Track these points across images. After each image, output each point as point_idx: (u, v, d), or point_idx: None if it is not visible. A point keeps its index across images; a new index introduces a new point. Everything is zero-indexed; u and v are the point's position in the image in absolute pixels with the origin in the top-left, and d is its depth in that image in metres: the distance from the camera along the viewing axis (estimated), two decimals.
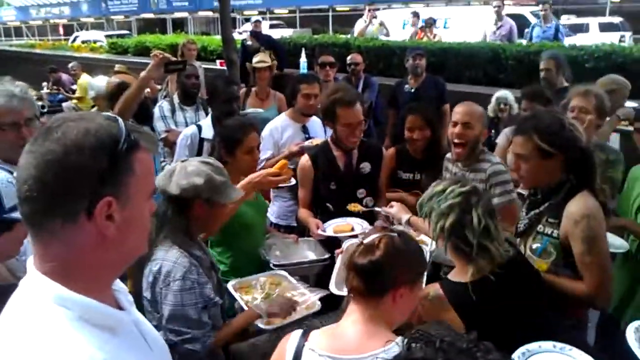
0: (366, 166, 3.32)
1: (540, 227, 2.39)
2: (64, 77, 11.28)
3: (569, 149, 2.29)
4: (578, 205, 2.25)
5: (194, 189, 2.24)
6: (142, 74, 3.61)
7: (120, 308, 1.18)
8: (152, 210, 1.19)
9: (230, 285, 2.63)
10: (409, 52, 5.99)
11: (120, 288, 1.23)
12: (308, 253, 3.17)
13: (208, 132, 3.71)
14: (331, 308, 2.42)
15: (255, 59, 5.53)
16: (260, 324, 2.33)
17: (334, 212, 3.23)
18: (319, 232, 3.04)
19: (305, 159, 3.39)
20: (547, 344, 1.68)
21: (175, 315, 2.12)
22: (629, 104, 5.77)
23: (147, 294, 2.21)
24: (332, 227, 3.08)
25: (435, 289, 1.98)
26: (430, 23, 11.38)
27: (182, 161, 2.40)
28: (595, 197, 2.30)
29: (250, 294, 2.63)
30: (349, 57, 5.99)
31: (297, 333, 1.74)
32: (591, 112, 3.25)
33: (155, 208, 1.21)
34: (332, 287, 2.52)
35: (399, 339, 1.55)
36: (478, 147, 3.11)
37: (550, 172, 2.33)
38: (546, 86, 4.83)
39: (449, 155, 3.31)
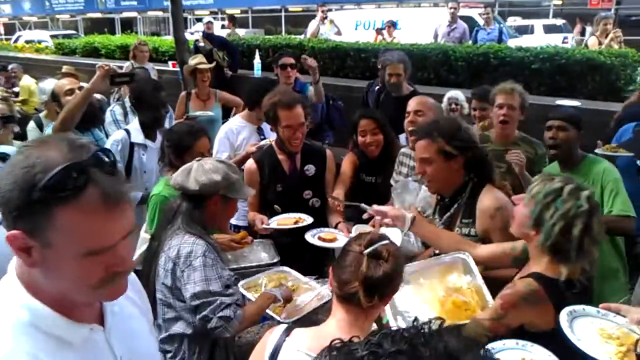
0: (310, 168, 3.39)
1: (457, 230, 2.50)
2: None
3: (468, 149, 2.45)
4: (488, 201, 2.41)
5: (213, 185, 2.37)
6: (87, 85, 3.56)
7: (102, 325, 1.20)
8: (107, 269, 1.07)
9: (239, 286, 2.69)
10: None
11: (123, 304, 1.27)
12: (262, 255, 3.18)
13: (137, 136, 3.67)
14: None
15: (193, 61, 5.57)
16: (278, 317, 2.46)
17: (281, 213, 3.29)
18: (263, 226, 3.10)
19: (250, 163, 3.42)
20: (591, 309, 1.72)
21: (202, 291, 2.20)
22: (570, 102, 6.05)
23: (166, 281, 2.28)
24: (275, 222, 3.18)
25: (529, 283, 1.90)
26: (390, 25, 11.57)
27: (198, 160, 2.50)
28: (499, 189, 2.47)
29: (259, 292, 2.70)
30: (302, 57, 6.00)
31: (280, 328, 1.78)
32: (517, 109, 3.50)
33: (120, 265, 1.09)
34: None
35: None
36: None
37: (453, 173, 2.47)
38: (394, 91, 4.84)
39: (404, 149, 3.41)
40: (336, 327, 1.68)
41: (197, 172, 2.39)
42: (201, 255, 2.24)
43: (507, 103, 3.48)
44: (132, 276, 1.34)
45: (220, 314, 2.20)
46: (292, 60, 5.03)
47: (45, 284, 1.08)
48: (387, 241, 1.76)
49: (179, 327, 2.33)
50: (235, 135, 4.09)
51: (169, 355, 2.37)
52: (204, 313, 2.20)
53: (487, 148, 3.47)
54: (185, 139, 3.03)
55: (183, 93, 5.63)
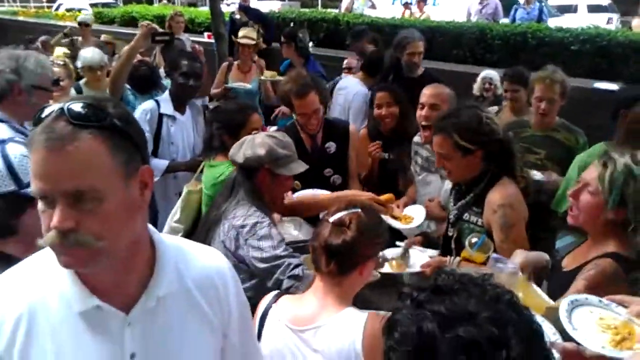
0: (331, 145, 3.39)
1: (466, 216, 2.48)
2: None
3: (488, 143, 2.35)
4: (497, 194, 2.34)
5: (257, 158, 2.39)
6: (130, 44, 3.67)
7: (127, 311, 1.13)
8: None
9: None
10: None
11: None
12: (294, 232, 3.18)
13: (167, 107, 3.68)
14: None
15: (240, 33, 5.59)
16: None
17: (301, 189, 3.25)
18: (287, 201, 3.09)
19: None
20: (594, 298, 1.69)
21: (270, 256, 2.24)
22: (608, 85, 5.90)
23: (228, 246, 2.31)
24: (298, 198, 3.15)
25: (610, 263, 1.87)
26: (420, 0, 11.38)
27: (255, 133, 2.54)
28: (516, 184, 2.38)
29: None
30: (345, 62, 6.04)
31: (272, 294, 1.90)
32: (557, 100, 3.37)
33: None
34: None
35: (350, 308, 1.72)
36: None
37: (472, 166, 2.40)
38: (411, 71, 4.61)
39: (416, 138, 3.35)
40: (314, 297, 1.77)
41: (247, 146, 2.43)
42: (266, 226, 2.29)
43: (547, 97, 3.35)
44: (221, 278, 1.28)
45: (290, 273, 2.24)
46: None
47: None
48: (354, 210, 1.79)
49: (268, 279, 2.35)
50: None
51: None
52: (275, 276, 2.23)
53: (525, 134, 3.45)
54: (237, 117, 3.01)
55: (225, 63, 5.71)
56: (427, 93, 3.10)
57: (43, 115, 1.01)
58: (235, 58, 5.72)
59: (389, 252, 2.69)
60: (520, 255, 2.09)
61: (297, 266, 2.26)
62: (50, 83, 2.71)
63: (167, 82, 4.63)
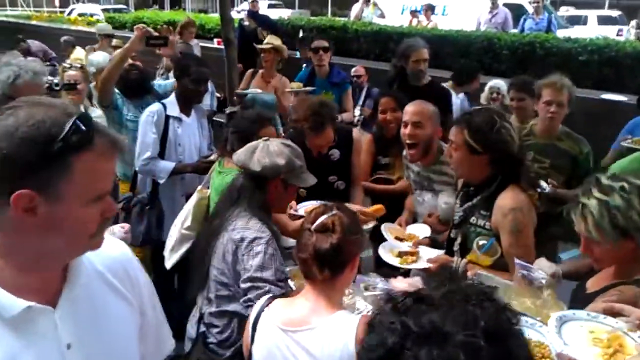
0: (335, 153, 3.41)
1: (473, 219, 2.48)
2: (34, 48, 10.91)
3: (495, 150, 2.35)
4: (508, 199, 2.34)
5: (276, 168, 2.32)
6: (125, 46, 3.71)
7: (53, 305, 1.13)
8: (102, 214, 1.12)
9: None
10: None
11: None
12: (290, 241, 3.13)
13: (173, 109, 3.69)
14: None
15: (265, 40, 5.44)
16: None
17: (305, 197, 3.27)
18: (292, 211, 3.11)
19: None
20: (582, 313, 1.69)
21: (254, 277, 2.17)
22: (615, 96, 5.90)
23: (226, 260, 2.27)
24: (303, 209, 3.12)
25: (635, 291, 1.82)
26: (427, 8, 11.42)
27: (264, 140, 2.45)
28: (524, 192, 2.37)
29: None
30: (353, 70, 6.07)
31: (264, 298, 1.91)
32: (565, 105, 3.37)
33: (111, 210, 1.14)
34: None
35: (342, 311, 1.74)
36: (433, 146, 3.09)
37: (477, 168, 2.41)
38: (417, 79, 4.52)
39: (405, 152, 3.33)
40: (305, 301, 1.78)
41: (261, 153, 2.34)
42: (264, 243, 2.21)
43: (556, 100, 3.35)
44: (127, 263, 1.33)
45: (262, 300, 2.13)
46: (325, 44, 4.88)
47: (18, 250, 1.08)
48: (333, 212, 1.79)
49: (234, 307, 2.32)
50: None
51: (215, 330, 2.36)
52: (249, 296, 2.17)
53: (529, 142, 3.44)
54: (250, 126, 2.97)
55: (250, 70, 5.59)
56: (409, 110, 3.07)
57: None
58: (259, 67, 5.49)
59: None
60: (547, 264, 2.09)
61: (274, 297, 2.16)
62: (39, 89, 2.68)
63: (158, 84, 4.68)
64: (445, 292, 0.92)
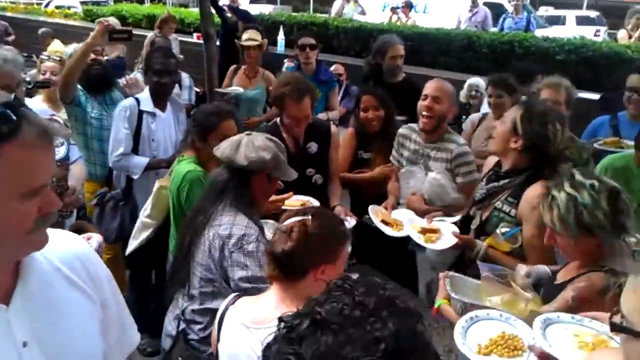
0: (312, 146, 3.41)
1: (498, 204, 2.52)
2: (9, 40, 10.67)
3: (531, 139, 2.39)
4: (537, 192, 2.35)
5: (263, 163, 2.32)
6: (86, 40, 3.61)
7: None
8: (40, 210, 1.06)
9: None
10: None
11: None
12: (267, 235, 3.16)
13: (146, 104, 3.63)
14: None
15: (244, 37, 5.25)
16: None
17: (283, 190, 3.19)
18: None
19: None
20: (566, 316, 1.71)
21: (254, 276, 2.16)
22: (590, 95, 5.98)
23: (213, 257, 2.24)
24: (292, 202, 3.11)
25: (601, 277, 1.87)
26: (405, 5, 11.46)
27: (248, 134, 2.44)
28: None
29: None
30: (332, 67, 6.01)
31: (231, 296, 1.89)
32: (562, 105, 3.38)
33: (51, 205, 1.09)
34: None
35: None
36: (444, 123, 3.22)
37: (509, 149, 2.46)
38: (392, 76, 4.48)
39: (403, 130, 3.41)
40: (270, 298, 1.75)
41: (248, 148, 2.33)
42: (254, 241, 2.21)
43: (552, 99, 3.36)
44: (86, 257, 1.29)
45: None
46: (312, 41, 4.86)
47: None
48: (303, 217, 1.72)
49: (218, 304, 2.23)
50: None
51: (197, 326, 2.34)
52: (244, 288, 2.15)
53: None
54: (209, 119, 2.92)
55: (232, 67, 5.42)
56: (431, 86, 3.21)
57: None
58: (242, 63, 5.35)
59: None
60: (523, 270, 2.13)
61: (240, 295, 2.13)
62: (7, 78, 2.57)
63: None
64: (342, 309, 0.85)
